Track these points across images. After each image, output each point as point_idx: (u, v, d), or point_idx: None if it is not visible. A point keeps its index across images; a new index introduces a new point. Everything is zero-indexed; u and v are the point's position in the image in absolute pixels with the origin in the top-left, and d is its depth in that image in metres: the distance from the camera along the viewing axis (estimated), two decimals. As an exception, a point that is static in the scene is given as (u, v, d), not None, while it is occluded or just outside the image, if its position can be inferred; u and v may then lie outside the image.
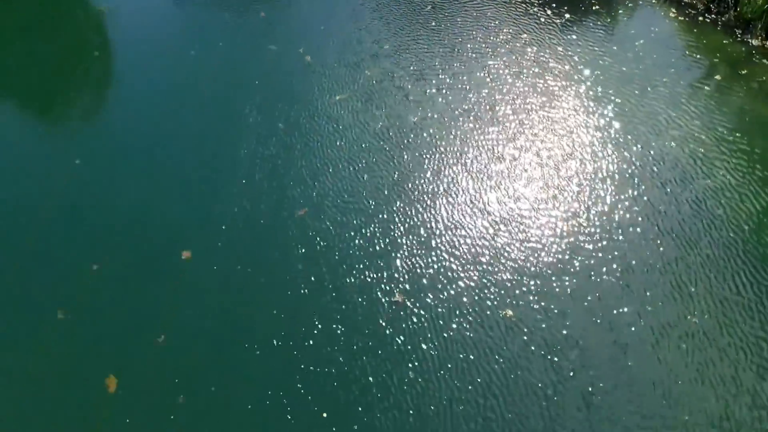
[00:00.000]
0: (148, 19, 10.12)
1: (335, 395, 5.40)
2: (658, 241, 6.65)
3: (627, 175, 7.35)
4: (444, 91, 8.51)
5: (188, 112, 8.16)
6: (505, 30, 9.67)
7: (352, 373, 5.55)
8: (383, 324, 5.91)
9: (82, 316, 6.01)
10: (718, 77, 8.74)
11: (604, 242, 6.64)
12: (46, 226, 6.77)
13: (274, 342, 5.76)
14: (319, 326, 5.87)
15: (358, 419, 5.26)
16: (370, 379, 5.51)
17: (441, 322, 5.95)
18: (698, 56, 9.18)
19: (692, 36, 9.56)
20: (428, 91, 8.51)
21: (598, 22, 9.93)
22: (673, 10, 10.11)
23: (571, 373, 5.60)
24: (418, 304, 6.07)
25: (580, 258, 6.50)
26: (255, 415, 5.26)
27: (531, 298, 6.15)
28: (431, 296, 6.14)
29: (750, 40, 9.22)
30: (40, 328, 5.91)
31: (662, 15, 10.13)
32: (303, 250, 6.51)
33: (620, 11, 10.21)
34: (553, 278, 6.31)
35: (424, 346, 5.77)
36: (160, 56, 9.20)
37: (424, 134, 7.83)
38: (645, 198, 7.09)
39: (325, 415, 5.29)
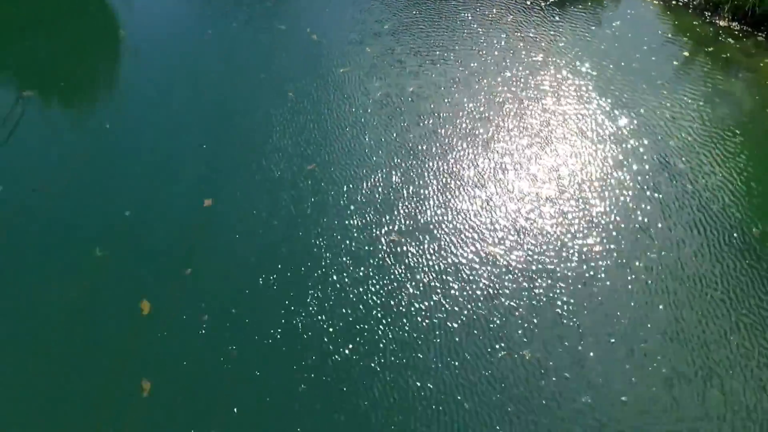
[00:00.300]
0: (168, 4, 10.99)
1: (342, 313, 6.27)
2: (625, 191, 7.53)
3: (599, 135, 8.23)
4: (438, 64, 9.40)
5: (205, 83, 9.03)
6: (494, 11, 10.56)
7: (356, 297, 6.41)
8: (383, 257, 6.77)
9: (117, 253, 6.86)
10: (686, 54, 9.63)
11: (576, 191, 7.52)
12: (83, 180, 7.62)
13: (287, 272, 6.62)
14: (328, 259, 6.73)
15: (361, 332, 6.12)
16: (374, 299, 6.38)
17: (433, 257, 6.81)
18: (670, 35, 10.08)
19: (666, 18, 10.46)
20: (424, 63, 9.39)
21: (580, 5, 10.83)
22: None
23: (545, 298, 6.47)
24: (414, 243, 6.93)
25: (555, 204, 7.37)
26: (269, 329, 6.12)
27: (511, 237, 7.02)
28: (425, 236, 7.00)
29: (717, 21, 10.10)
30: (81, 264, 6.76)
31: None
32: (313, 199, 7.37)
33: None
34: (531, 221, 7.18)
35: (418, 276, 6.63)
36: (178, 36, 10.07)
37: (420, 100, 8.71)
38: (615, 154, 7.96)
39: (331, 330, 6.15)
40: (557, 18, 10.42)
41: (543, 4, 10.07)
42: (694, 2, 10.47)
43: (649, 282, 6.64)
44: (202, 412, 5.58)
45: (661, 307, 6.42)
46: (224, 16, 10.43)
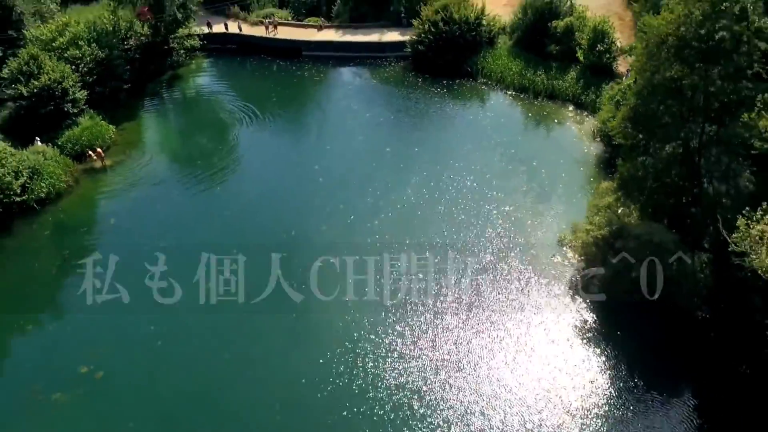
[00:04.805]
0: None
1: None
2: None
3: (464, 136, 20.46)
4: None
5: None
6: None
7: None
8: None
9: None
10: (529, 116, 22.23)
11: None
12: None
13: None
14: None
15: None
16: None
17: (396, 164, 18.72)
18: (516, 109, 22.65)
19: (518, 101, 23.05)
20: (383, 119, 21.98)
21: (469, 95, 23.47)
22: (503, 90, 23.61)
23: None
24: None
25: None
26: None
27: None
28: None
29: (547, 103, 22.69)
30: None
31: (500, 92, 23.65)
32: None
33: (477, 88, 23.86)
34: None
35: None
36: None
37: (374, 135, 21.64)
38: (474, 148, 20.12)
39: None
40: (447, 97, 23.08)
41: (441, 90, 22.47)
42: (538, 97, 23.10)
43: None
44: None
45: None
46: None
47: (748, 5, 11.44)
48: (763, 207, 10.46)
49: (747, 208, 10.75)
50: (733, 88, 12.20)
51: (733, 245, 10.64)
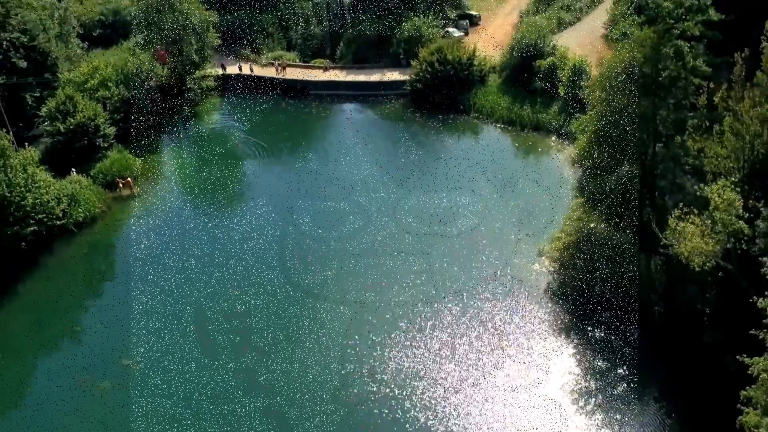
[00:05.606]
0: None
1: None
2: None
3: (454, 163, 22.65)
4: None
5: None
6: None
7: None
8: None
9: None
10: (516, 146, 24.38)
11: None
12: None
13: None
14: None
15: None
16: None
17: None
18: (505, 139, 24.91)
19: (507, 132, 25.31)
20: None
21: (462, 128, 25.73)
22: (493, 123, 25.92)
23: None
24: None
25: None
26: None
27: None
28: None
29: (533, 134, 24.85)
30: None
31: (491, 125, 25.97)
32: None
33: (469, 122, 26.14)
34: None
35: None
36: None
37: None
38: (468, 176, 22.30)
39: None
40: (444, 132, 25.32)
41: (436, 124, 24.82)
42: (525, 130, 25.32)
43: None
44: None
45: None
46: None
47: (684, 48, 13.90)
48: (681, 207, 12.88)
49: (676, 209, 13.08)
50: (676, 117, 14.41)
51: (663, 239, 13.15)
